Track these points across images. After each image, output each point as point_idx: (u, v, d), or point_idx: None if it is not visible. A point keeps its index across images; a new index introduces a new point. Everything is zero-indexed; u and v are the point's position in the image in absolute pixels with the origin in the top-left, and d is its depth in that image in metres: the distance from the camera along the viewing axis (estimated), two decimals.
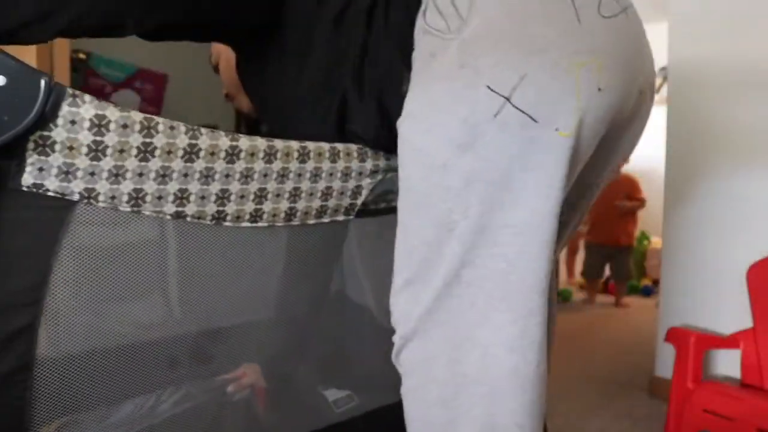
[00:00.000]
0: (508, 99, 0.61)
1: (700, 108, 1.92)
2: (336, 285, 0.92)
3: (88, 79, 1.53)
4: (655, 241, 3.79)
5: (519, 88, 0.61)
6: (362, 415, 0.93)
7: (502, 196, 0.63)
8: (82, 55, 1.50)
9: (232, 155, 0.69)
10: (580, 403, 1.93)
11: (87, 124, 0.59)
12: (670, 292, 2.01)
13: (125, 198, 0.64)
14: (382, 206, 0.85)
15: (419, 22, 0.70)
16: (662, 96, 3.45)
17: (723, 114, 1.85)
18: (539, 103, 0.61)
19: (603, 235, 3.47)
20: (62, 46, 1.33)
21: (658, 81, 3.88)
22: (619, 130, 0.74)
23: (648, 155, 3.57)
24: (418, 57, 0.71)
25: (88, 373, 0.67)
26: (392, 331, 0.72)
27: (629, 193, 3.43)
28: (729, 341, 1.71)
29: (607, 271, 3.58)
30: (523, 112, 0.61)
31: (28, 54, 1.23)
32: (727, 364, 1.80)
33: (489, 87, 0.61)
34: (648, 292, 3.66)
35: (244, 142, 0.70)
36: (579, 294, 3.70)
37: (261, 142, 0.71)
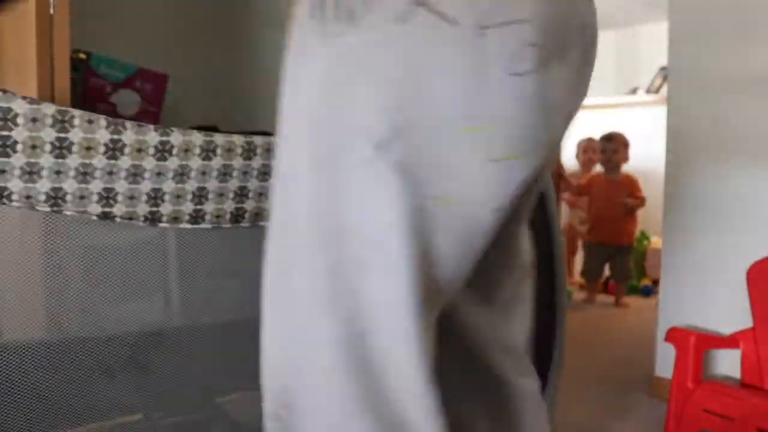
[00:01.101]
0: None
1: (700, 108, 1.92)
2: None
3: (88, 79, 1.53)
4: (655, 241, 3.78)
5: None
6: None
7: None
8: (82, 55, 1.49)
9: (163, 151, 0.63)
10: (580, 402, 1.93)
11: None
12: (670, 292, 2.01)
13: (42, 197, 0.59)
14: None
15: None
16: (662, 96, 3.45)
17: (723, 114, 1.85)
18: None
19: (603, 235, 3.47)
20: (62, 46, 1.33)
21: (658, 81, 3.87)
22: None
23: (648, 155, 3.57)
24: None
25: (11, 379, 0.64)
26: None
27: (630, 192, 3.43)
28: (729, 341, 1.71)
29: (607, 271, 3.58)
30: None
31: (27, 54, 1.23)
32: (727, 364, 1.80)
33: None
34: (648, 292, 3.65)
35: (177, 137, 0.63)
36: (579, 294, 3.70)
37: (197, 137, 0.65)
